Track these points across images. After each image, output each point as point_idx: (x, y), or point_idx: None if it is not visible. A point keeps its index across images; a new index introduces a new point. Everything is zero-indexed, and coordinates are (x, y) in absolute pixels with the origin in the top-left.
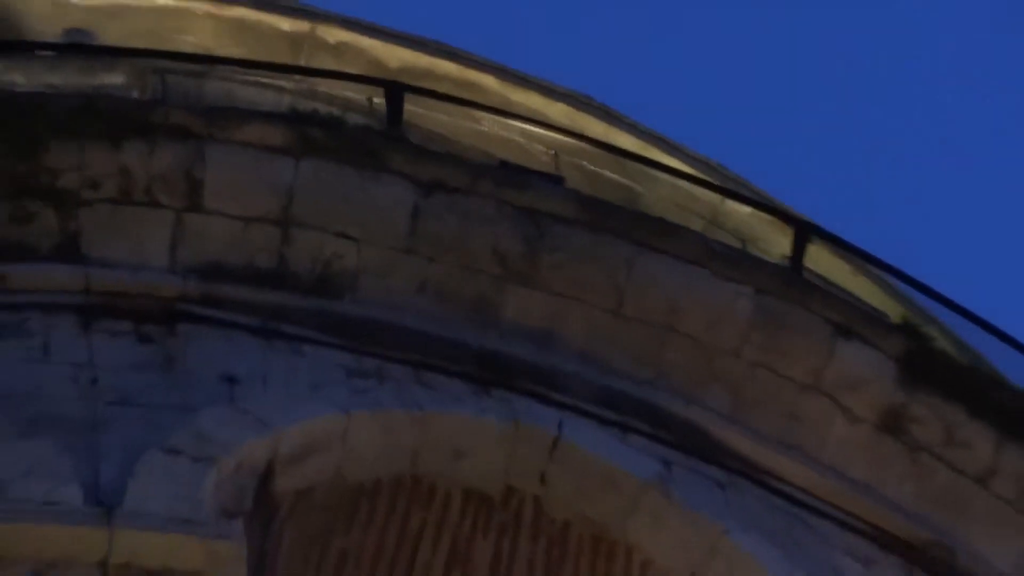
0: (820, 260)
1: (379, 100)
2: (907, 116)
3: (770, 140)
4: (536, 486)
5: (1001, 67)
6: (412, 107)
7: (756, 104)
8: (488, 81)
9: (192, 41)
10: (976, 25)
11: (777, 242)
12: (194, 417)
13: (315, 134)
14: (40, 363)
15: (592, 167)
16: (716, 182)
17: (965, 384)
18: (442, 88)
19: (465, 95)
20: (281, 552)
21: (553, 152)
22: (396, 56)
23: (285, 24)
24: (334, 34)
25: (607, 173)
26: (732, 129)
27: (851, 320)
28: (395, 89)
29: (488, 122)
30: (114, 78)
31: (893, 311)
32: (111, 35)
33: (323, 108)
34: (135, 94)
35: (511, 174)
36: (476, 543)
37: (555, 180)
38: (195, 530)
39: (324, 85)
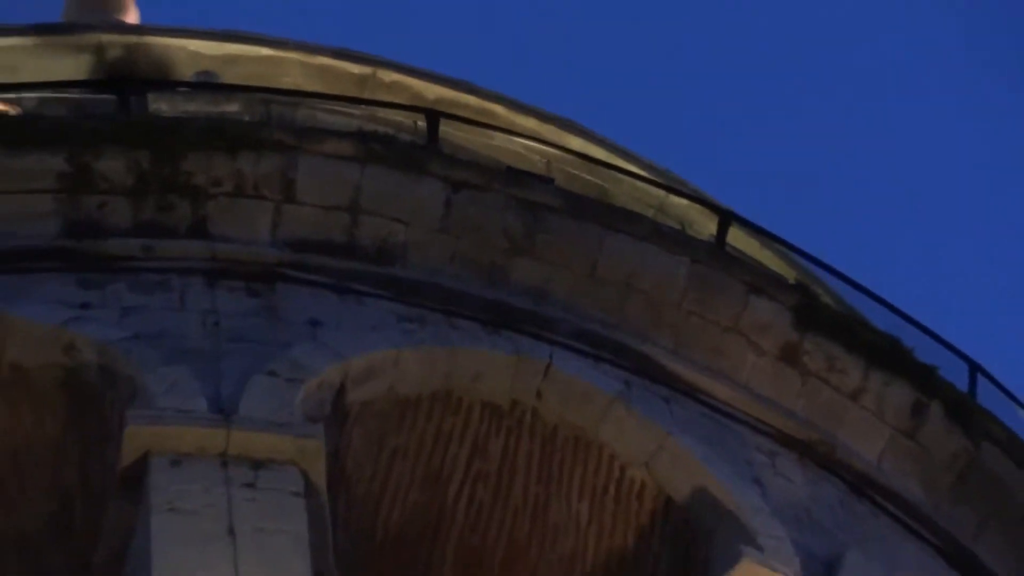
0: (738, 238)
1: (421, 123)
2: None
3: (708, 142)
4: (534, 399)
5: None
6: (444, 128)
7: (695, 113)
8: (498, 109)
9: (287, 80)
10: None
11: (707, 226)
12: (288, 350)
13: (376, 148)
14: (178, 311)
15: (573, 171)
16: (663, 182)
17: (842, 327)
18: (465, 114)
19: (482, 119)
20: (351, 448)
21: (546, 161)
22: (432, 91)
23: (354, 68)
24: (389, 75)
25: (584, 175)
26: (680, 137)
27: (760, 281)
28: (432, 115)
29: (498, 138)
30: (232, 107)
31: (790, 275)
32: (229, 76)
33: (381, 129)
34: (247, 118)
35: (516, 176)
36: (490, 441)
37: (547, 181)
38: (288, 431)
39: (381, 112)
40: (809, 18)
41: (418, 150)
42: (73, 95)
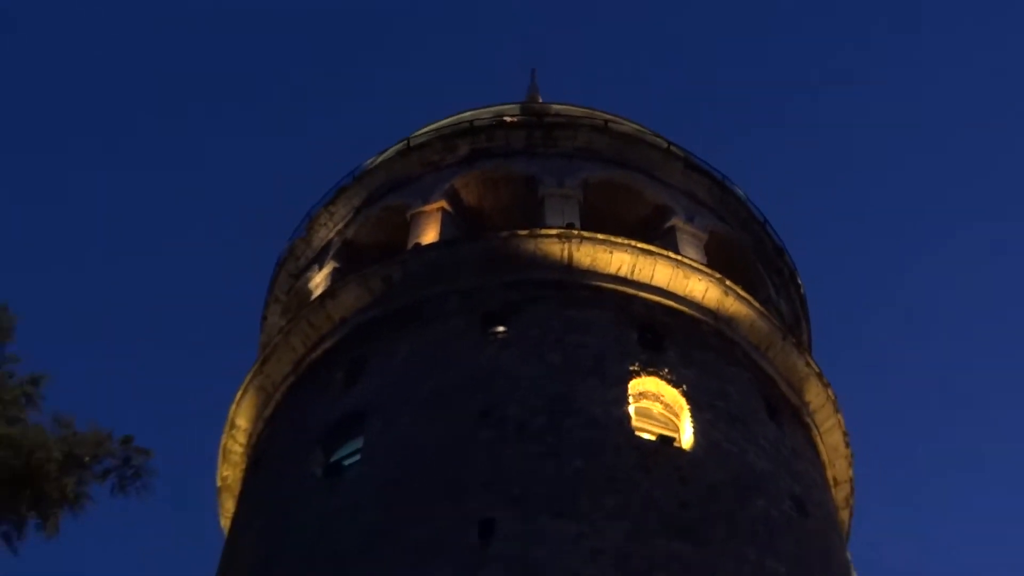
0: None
1: (609, 124)
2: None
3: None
4: (631, 183)
5: None
6: (623, 126)
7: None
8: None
9: (583, 115)
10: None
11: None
12: (573, 174)
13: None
14: (551, 161)
15: (650, 139)
16: (668, 142)
17: (689, 165)
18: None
19: (623, 126)
20: (587, 189)
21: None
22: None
23: (626, 127)
24: (623, 123)
25: (648, 138)
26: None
27: (676, 157)
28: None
29: (626, 126)
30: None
31: (680, 153)
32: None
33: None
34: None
35: (626, 135)
36: (626, 179)
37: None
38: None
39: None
40: None
41: (597, 130)
42: (515, 121)
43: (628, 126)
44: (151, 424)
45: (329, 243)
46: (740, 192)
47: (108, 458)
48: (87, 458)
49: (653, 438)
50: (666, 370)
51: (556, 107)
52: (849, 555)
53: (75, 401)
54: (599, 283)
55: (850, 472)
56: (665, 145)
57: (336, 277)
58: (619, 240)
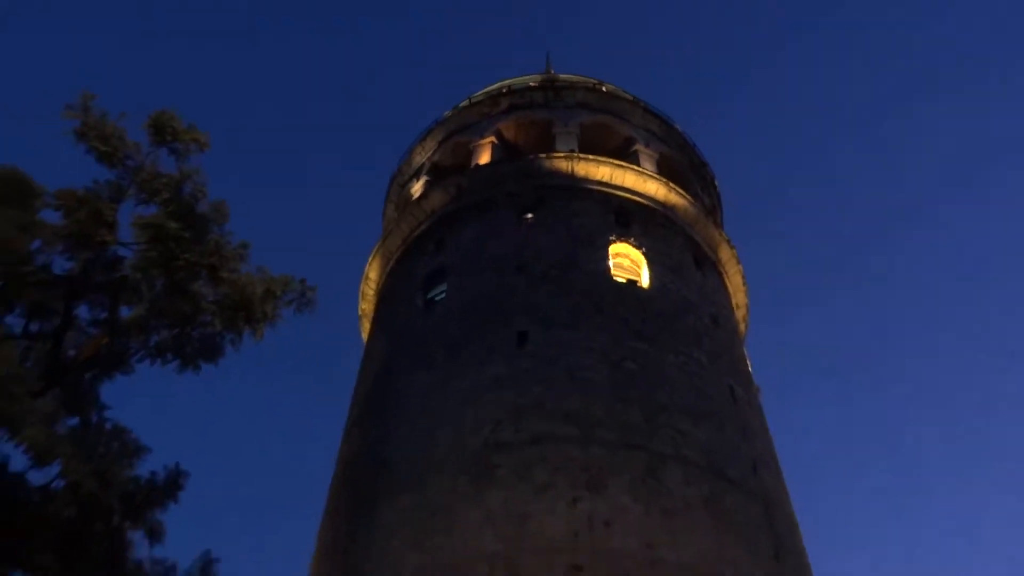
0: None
1: (598, 86)
2: None
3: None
4: (609, 123)
5: None
6: (606, 88)
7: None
8: (608, 85)
9: (576, 79)
10: None
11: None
12: (576, 117)
13: (589, 89)
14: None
15: (620, 95)
16: (632, 96)
17: (625, 101)
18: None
19: (597, 85)
20: (583, 126)
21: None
22: (604, 85)
23: (609, 88)
24: (607, 85)
25: (620, 94)
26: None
27: (635, 104)
28: (596, 88)
29: (608, 87)
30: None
31: (629, 95)
32: (564, 80)
33: (601, 87)
34: (578, 88)
35: (603, 90)
36: (608, 123)
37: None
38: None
39: (589, 84)
40: None
41: (589, 90)
42: (536, 86)
43: (610, 87)
44: (315, 276)
45: (423, 165)
46: (679, 128)
47: (290, 292)
48: (278, 292)
49: (624, 281)
50: (632, 239)
51: (563, 76)
52: (745, 351)
53: (268, 257)
54: (591, 186)
55: (746, 300)
56: (632, 98)
57: (427, 186)
58: (603, 159)
